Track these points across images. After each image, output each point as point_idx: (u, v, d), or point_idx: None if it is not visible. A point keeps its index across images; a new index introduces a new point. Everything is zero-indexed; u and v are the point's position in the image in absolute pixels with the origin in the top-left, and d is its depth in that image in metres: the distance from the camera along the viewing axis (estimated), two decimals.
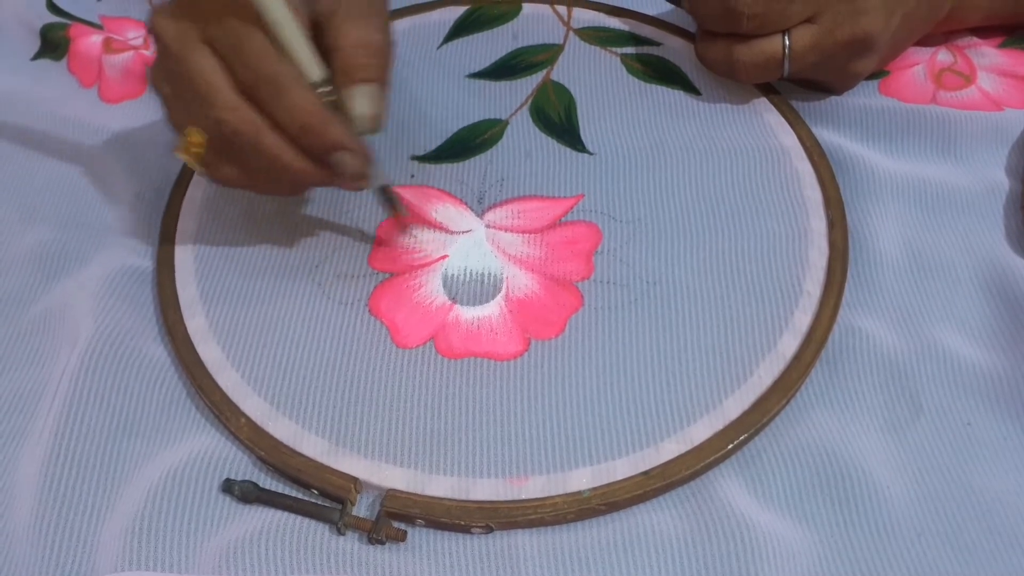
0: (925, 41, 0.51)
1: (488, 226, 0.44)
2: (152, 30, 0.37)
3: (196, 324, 0.41)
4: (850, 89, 0.49)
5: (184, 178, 0.47)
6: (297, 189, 0.41)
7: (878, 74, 0.51)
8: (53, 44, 0.54)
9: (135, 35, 0.55)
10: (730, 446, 0.37)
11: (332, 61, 0.37)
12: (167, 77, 0.38)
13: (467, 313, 0.41)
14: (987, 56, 0.52)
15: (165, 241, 0.44)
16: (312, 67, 0.37)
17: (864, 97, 0.50)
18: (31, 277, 0.44)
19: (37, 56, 0.54)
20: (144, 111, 0.51)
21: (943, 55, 0.52)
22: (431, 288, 0.42)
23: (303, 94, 0.36)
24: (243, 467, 0.38)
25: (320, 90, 0.37)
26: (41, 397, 0.40)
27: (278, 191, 0.40)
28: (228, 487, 0.37)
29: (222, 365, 0.40)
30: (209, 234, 0.44)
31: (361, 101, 0.37)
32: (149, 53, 0.54)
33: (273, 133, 0.36)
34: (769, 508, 0.36)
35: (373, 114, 0.38)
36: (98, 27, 0.55)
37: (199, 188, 0.46)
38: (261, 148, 0.36)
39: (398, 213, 0.43)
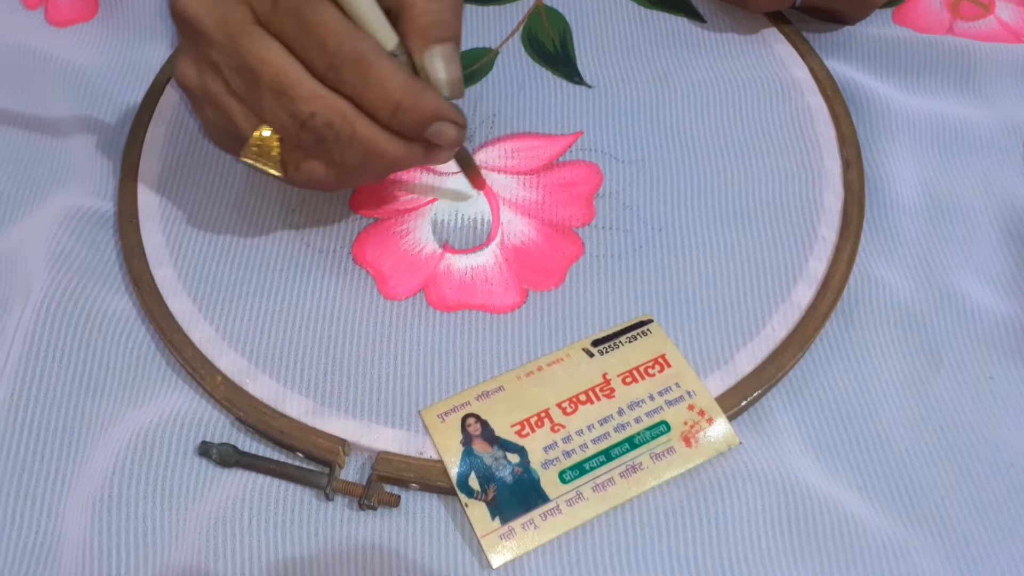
0: None
1: (480, 166, 0.41)
2: (180, 14, 0.32)
3: (164, 273, 0.38)
4: (864, 19, 0.46)
5: (146, 111, 0.43)
6: (385, 176, 0.37)
7: (892, 2, 0.47)
8: None
9: None
10: (743, 403, 0.35)
11: (402, 23, 0.33)
12: (212, 71, 0.33)
13: (460, 262, 0.38)
14: None
15: (127, 182, 0.40)
16: (388, 34, 0.32)
17: (878, 27, 0.47)
18: None
19: None
20: (97, 35, 0.47)
21: None
22: (420, 234, 0.38)
23: (392, 69, 0.31)
24: (220, 429, 0.35)
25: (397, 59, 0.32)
26: None
27: (365, 181, 0.36)
28: (205, 450, 0.34)
29: (194, 318, 0.36)
30: (175, 174, 0.41)
31: (442, 64, 0.33)
32: None
33: (365, 118, 0.32)
34: (784, 470, 0.34)
35: (456, 77, 0.33)
36: None
37: (163, 123, 0.42)
38: (355, 137, 0.32)
39: (473, 173, 0.38)
